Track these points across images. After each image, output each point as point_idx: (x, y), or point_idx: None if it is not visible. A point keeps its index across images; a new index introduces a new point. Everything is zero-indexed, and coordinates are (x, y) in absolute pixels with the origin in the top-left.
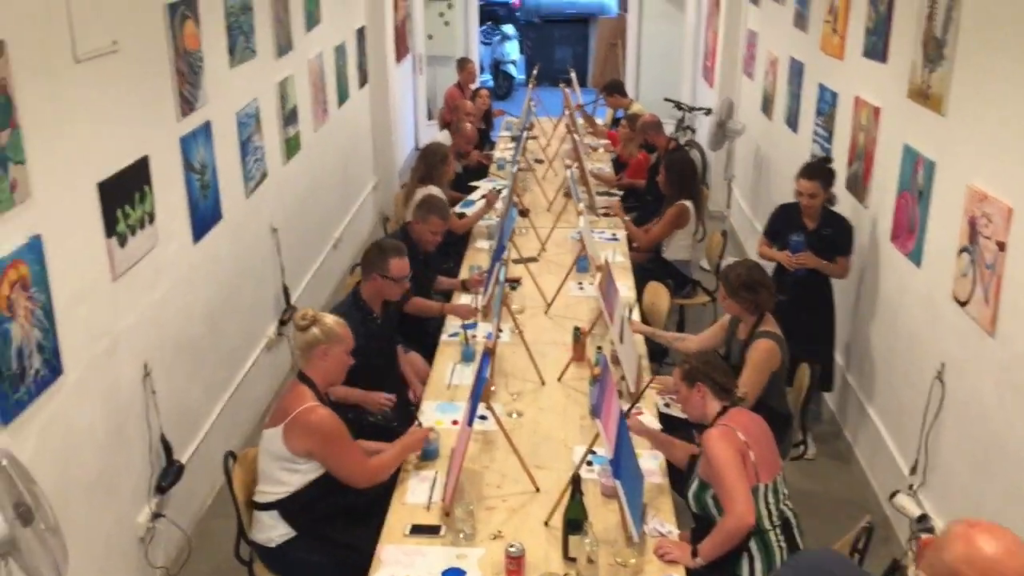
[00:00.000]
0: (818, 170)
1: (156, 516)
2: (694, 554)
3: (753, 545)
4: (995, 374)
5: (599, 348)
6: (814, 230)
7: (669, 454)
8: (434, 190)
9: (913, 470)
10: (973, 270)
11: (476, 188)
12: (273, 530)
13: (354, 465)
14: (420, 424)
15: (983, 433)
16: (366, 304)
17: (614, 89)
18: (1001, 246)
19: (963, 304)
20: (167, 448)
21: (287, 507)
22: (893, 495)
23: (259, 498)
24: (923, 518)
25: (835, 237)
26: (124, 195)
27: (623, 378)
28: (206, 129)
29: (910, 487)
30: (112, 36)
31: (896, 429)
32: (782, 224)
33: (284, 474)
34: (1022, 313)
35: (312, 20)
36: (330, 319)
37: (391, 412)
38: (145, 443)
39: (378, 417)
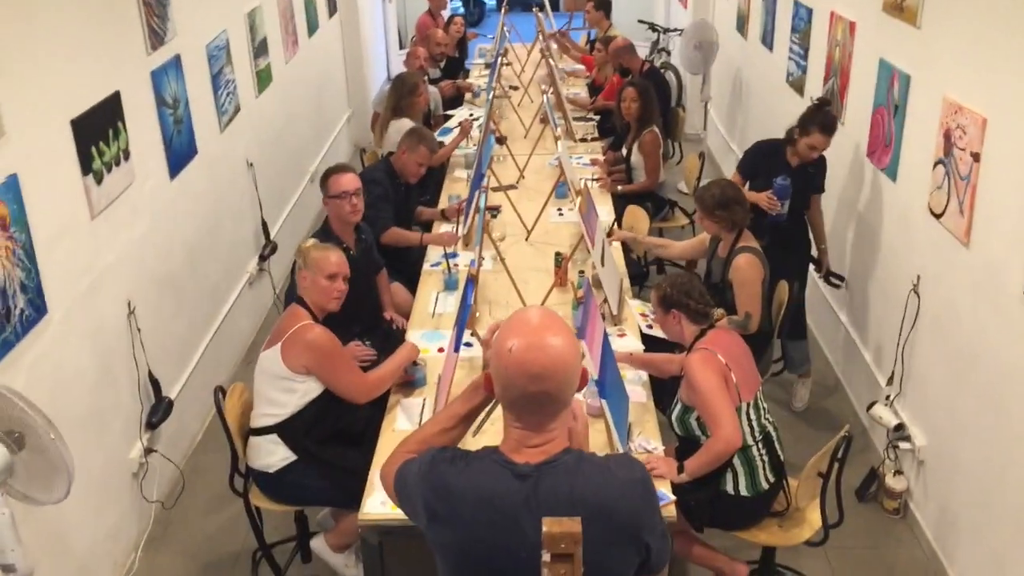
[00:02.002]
0: (832, 122)
1: (148, 451)
2: (680, 470)
3: (736, 460)
4: (969, 284)
5: (581, 272)
6: (799, 167)
7: (654, 370)
8: (407, 123)
9: (889, 381)
10: (948, 182)
11: (452, 116)
12: (272, 455)
13: (352, 379)
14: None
15: (958, 342)
16: (335, 234)
17: (600, 5)
18: (976, 157)
19: (938, 216)
20: (155, 384)
21: (286, 429)
22: (870, 406)
23: (257, 422)
24: (899, 427)
25: (817, 175)
26: (98, 132)
27: (605, 301)
28: (176, 62)
29: (887, 398)
30: None
31: (872, 342)
32: (762, 163)
33: (282, 395)
34: (996, 223)
35: None
36: (311, 247)
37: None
38: (133, 380)
39: (366, 342)
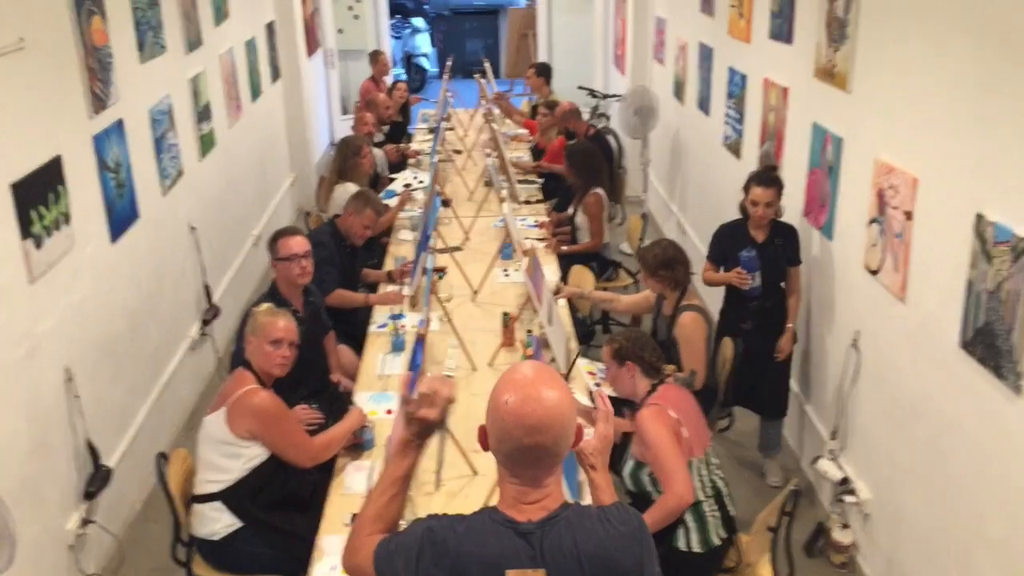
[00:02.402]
0: (773, 176)
1: (86, 522)
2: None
3: (688, 516)
4: (907, 338)
5: (529, 331)
6: (764, 242)
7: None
8: (352, 187)
9: (833, 435)
10: (882, 240)
11: (395, 179)
12: (217, 522)
13: (298, 444)
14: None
15: (898, 395)
16: (283, 297)
17: (542, 72)
18: (908, 215)
19: (874, 273)
20: (94, 453)
21: (231, 496)
22: (815, 460)
23: (201, 489)
24: (844, 481)
25: (786, 246)
26: (38, 196)
27: (553, 360)
28: (119, 127)
29: (831, 452)
30: (17, 33)
31: (816, 396)
32: (728, 244)
33: (227, 460)
34: (930, 278)
35: (220, 14)
36: (260, 311)
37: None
38: (71, 449)
39: (313, 405)
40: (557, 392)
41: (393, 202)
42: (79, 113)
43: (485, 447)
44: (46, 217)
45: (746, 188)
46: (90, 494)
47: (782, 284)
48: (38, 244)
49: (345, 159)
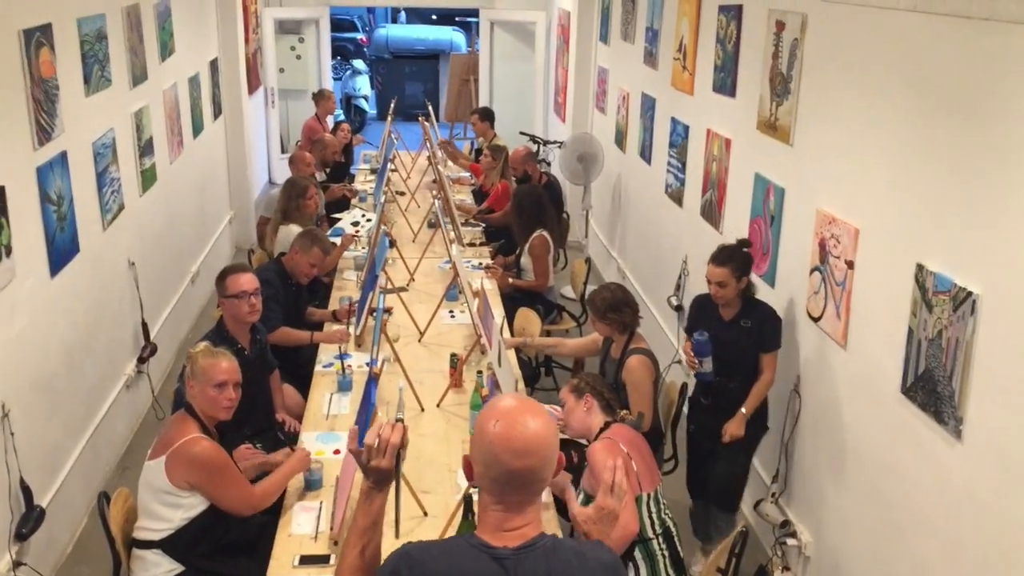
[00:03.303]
0: (729, 254)
1: (17, 565)
2: None
3: (638, 554)
4: (848, 383)
5: (479, 372)
6: (731, 320)
7: (552, 484)
8: (295, 229)
9: (775, 479)
10: (825, 288)
11: (339, 219)
12: (157, 567)
13: (238, 493)
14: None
15: (838, 439)
16: (230, 334)
17: (486, 116)
18: (850, 264)
19: (816, 320)
20: (27, 492)
21: (171, 544)
22: (757, 503)
23: (140, 535)
24: (785, 524)
25: (756, 329)
26: None
27: None
28: (63, 159)
29: (772, 495)
30: None
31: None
32: (697, 316)
33: (166, 510)
34: (870, 325)
35: (166, 50)
36: (199, 353)
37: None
38: (3, 488)
39: (257, 444)
40: (541, 419)
41: (339, 240)
42: (24, 144)
43: (470, 477)
44: None
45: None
46: (22, 535)
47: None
48: None
49: (290, 200)
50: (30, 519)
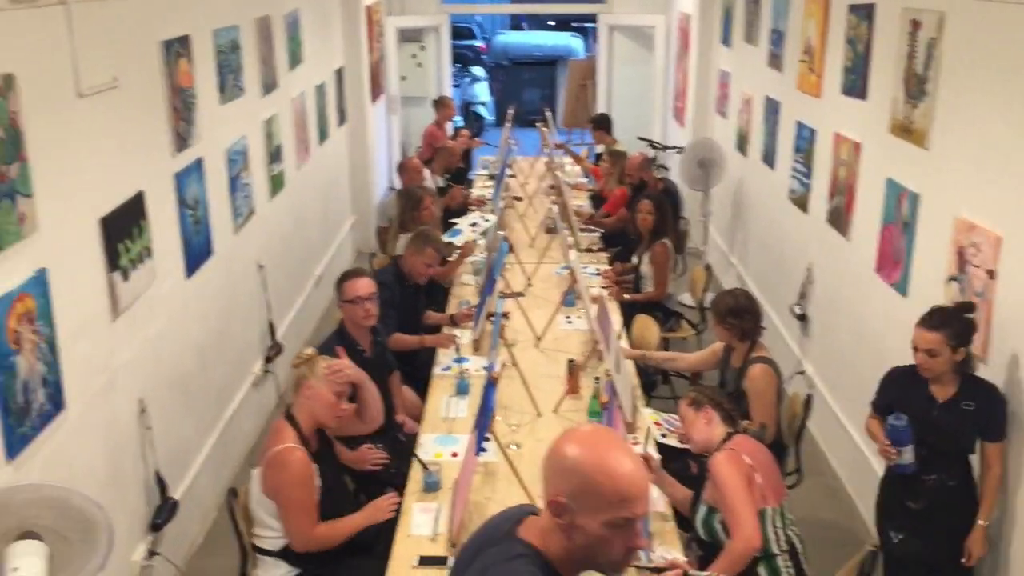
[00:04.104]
0: (945, 318)
1: (152, 554)
2: None
3: (762, 570)
4: None
5: (597, 378)
6: (948, 402)
7: (671, 496)
8: None
9: None
10: (962, 298)
11: (455, 223)
12: (276, 568)
13: (300, 524)
14: (418, 458)
15: (976, 458)
16: (350, 336)
17: (600, 124)
18: (991, 274)
19: None
20: (161, 484)
21: (286, 552)
22: None
23: (257, 542)
24: None
25: (979, 413)
26: (124, 230)
27: (620, 407)
28: (199, 165)
29: None
30: (113, 72)
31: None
32: (895, 393)
33: (271, 519)
34: (1012, 339)
35: (295, 59)
36: (323, 362)
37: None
38: (141, 480)
39: (377, 445)
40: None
41: (458, 239)
42: (163, 151)
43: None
44: (131, 251)
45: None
46: (157, 526)
47: (972, 456)
48: (125, 277)
49: (405, 211)
50: (164, 510)
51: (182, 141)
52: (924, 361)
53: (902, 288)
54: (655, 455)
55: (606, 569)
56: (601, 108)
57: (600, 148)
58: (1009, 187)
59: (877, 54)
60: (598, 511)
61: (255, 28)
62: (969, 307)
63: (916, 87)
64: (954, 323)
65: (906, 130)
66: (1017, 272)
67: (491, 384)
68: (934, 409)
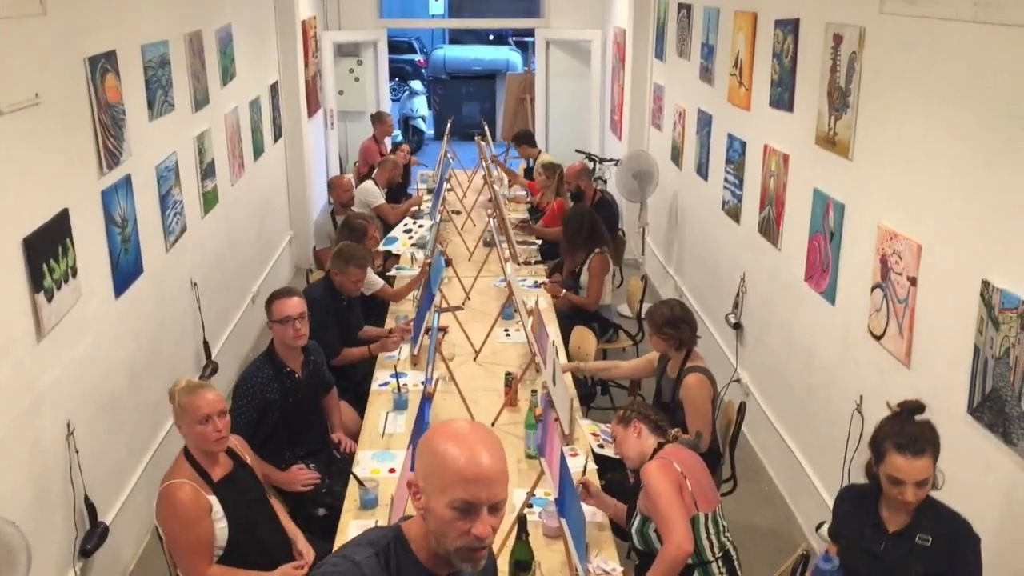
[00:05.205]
0: (927, 436)
1: None
2: None
3: None
4: None
5: (534, 391)
6: (900, 532)
7: (613, 515)
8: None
9: None
10: (887, 305)
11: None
12: None
13: (190, 563)
14: (355, 476)
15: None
16: (279, 359)
17: (523, 140)
18: (913, 281)
19: (878, 338)
20: (91, 509)
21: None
22: (819, 526)
23: None
24: None
25: (938, 555)
26: (48, 250)
27: (557, 419)
28: (127, 182)
29: None
30: (34, 89)
31: (817, 461)
32: (848, 516)
33: None
34: (935, 344)
35: (227, 75)
36: (180, 393)
37: (321, 468)
38: (69, 505)
39: (311, 464)
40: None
41: (395, 248)
42: (89, 168)
43: None
44: (56, 271)
45: (875, 445)
46: (86, 552)
47: None
48: (49, 298)
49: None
50: (94, 535)
51: (112, 157)
52: (915, 495)
53: (830, 296)
54: (593, 466)
55: (456, 559)
56: (539, 121)
57: (530, 163)
58: (928, 196)
59: (802, 68)
60: (443, 491)
61: (186, 43)
62: (919, 408)
63: (839, 100)
64: (931, 436)
65: (831, 141)
66: (936, 279)
67: (426, 400)
68: (882, 540)
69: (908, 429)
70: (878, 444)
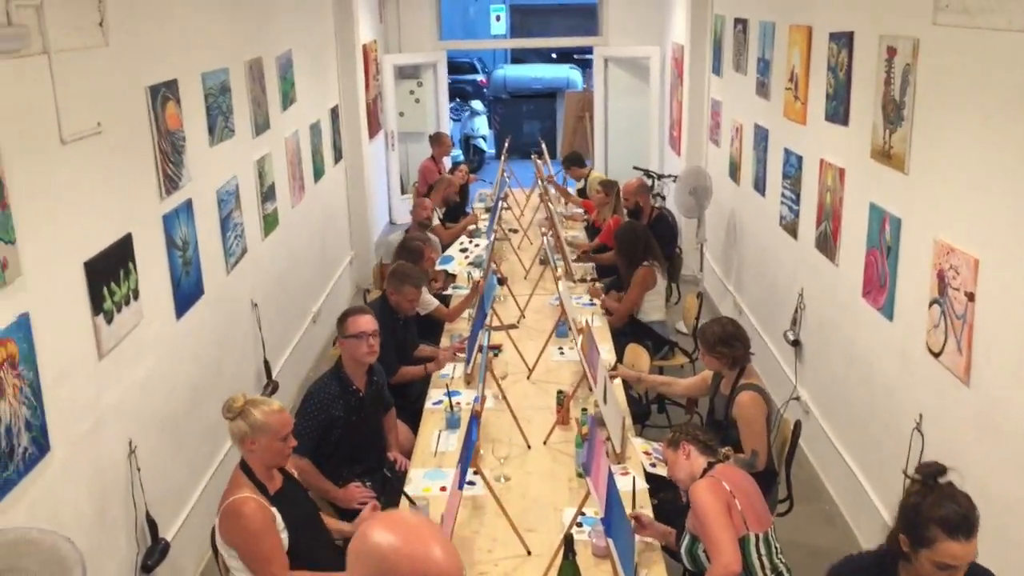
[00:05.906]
0: (971, 515)
1: None
2: None
3: None
4: (972, 422)
5: (584, 409)
6: None
7: (667, 542)
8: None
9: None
10: (944, 321)
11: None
12: None
13: (268, 572)
14: (406, 495)
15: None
16: (346, 376)
17: (572, 162)
18: (970, 297)
19: (936, 355)
20: (152, 526)
21: None
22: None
23: None
24: None
25: None
26: (109, 273)
27: (608, 439)
28: (188, 206)
29: None
30: (96, 118)
31: (877, 481)
32: None
33: (235, 562)
34: (994, 361)
35: (287, 100)
36: (259, 411)
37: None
38: (131, 522)
39: (367, 483)
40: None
41: (451, 268)
42: (150, 193)
43: None
44: (116, 293)
45: (923, 533)
46: (147, 567)
47: None
48: (109, 320)
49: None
50: (155, 552)
51: (172, 183)
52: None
53: (888, 312)
54: (644, 485)
55: None
56: (599, 139)
57: (580, 184)
58: (984, 210)
59: (857, 81)
60: None
61: (246, 70)
62: (942, 470)
63: (894, 112)
64: (973, 506)
65: (886, 155)
66: (994, 294)
67: (474, 418)
68: None
69: (952, 507)
70: (920, 528)
